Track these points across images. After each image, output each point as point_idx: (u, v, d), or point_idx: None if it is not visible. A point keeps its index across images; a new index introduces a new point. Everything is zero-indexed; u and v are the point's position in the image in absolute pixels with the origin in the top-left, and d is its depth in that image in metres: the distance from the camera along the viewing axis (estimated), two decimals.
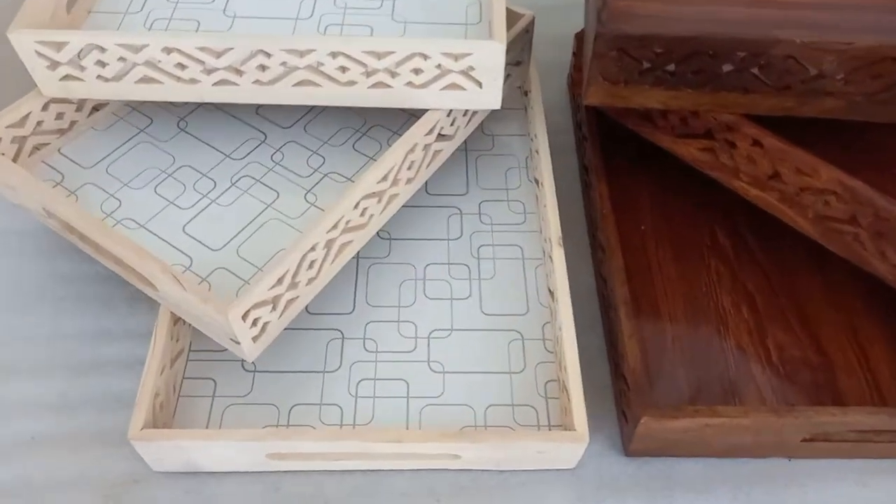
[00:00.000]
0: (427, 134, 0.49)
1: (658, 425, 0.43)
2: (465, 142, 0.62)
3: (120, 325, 0.51)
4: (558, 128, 0.66)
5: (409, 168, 0.49)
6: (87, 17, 0.52)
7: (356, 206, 0.45)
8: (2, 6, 0.62)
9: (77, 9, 0.52)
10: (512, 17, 0.57)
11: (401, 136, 0.48)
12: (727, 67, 0.45)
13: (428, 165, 0.52)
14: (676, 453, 0.46)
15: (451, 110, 0.50)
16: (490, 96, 0.48)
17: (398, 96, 0.48)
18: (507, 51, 0.54)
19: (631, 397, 0.44)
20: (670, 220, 0.58)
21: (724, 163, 0.51)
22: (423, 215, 0.57)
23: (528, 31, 0.57)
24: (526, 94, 0.62)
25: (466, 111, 0.52)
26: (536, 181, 0.57)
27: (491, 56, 0.46)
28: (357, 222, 0.47)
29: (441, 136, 0.51)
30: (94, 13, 0.52)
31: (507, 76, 0.58)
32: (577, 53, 0.63)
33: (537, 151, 0.57)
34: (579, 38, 0.63)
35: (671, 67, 0.46)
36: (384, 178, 0.47)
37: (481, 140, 0.62)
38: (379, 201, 0.48)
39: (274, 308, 0.42)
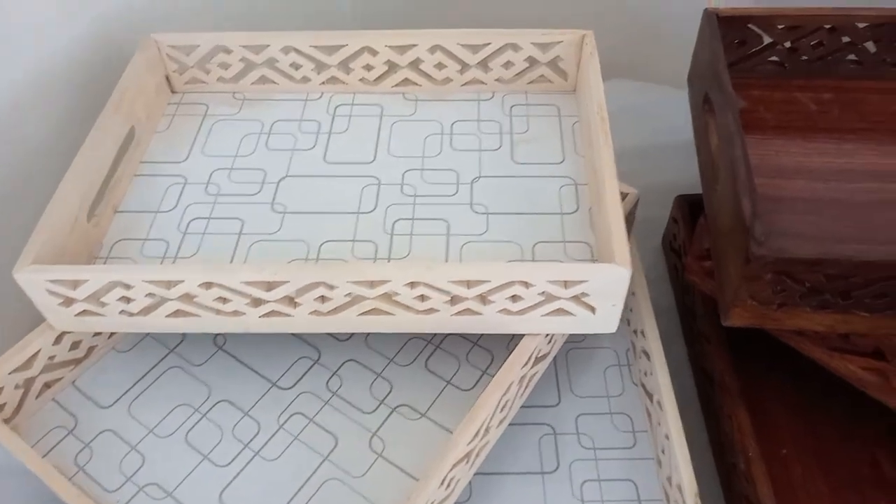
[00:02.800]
0: (524, 366, 0.39)
1: None
2: None
3: None
4: (655, 303, 0.55)
5: (502, 409, 0.39)
6: (114, 219, 0.44)
7: (442, 483, 0.35)
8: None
9: (103, 208, 0.43)
10: None
11: (482, 347, 0.38)
12: None
13: (522, 395, 0.42)
14: None
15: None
16: (605, 321, 0.38)
17: (489, 324, 0.38)
18: None
19: None
20: (817, 440, 0.46)
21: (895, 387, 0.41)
22: (507, 440, 0.46)
23: (632, 212, 0.48)
24: None
25: None
26: (647, 393, 0.46)
27: (613, 282, 0.36)
28: (441, 497, 0.36)
29: (537, 360, 0.42)
30: (121, 213, 0.44)
31: None
32: (681, 222, 0.54)
33: (645, 353, 0.47)
34: (682, 204, 0.54)
35: (844, 290, 0.36)
36: (475, 436, 0.37)
37: None
38: (467, 462, 0.38)
39: None
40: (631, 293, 0.50)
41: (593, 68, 0.46)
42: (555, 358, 0.51)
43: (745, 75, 0.51)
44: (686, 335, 0.53)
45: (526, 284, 0.36)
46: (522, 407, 0.48)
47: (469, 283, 0.36)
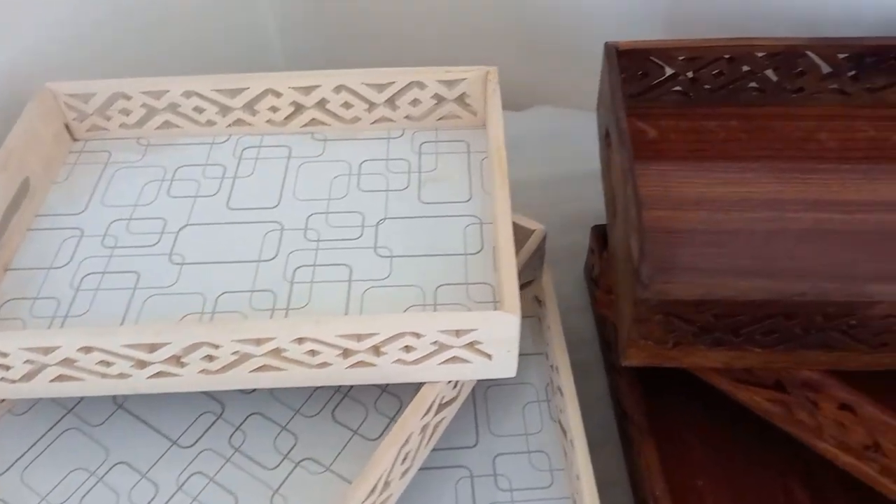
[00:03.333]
0: (425, 415, 0.39)
1: None
2: None
3: None
4: (578, 335, 0.55)
5: (403, 461, 0.38)
6: (4, 278, 0.42)
7: None
8: None
9: None
10: (519, 232, 0.48)
11: (391, 393, 0.37)
12: (807, 329, 0.35)
13: (427, 444, 0.41)
14: None
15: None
16: (503, 367, 0.38)
17: (386, 374, 0.38)
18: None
19: None
20: (732, 471, 0.46)
21: (801, 420, 0.41)
22: (422, 485, 0.45)
23: (541, 248, 0.48)
24: (540, 303, 0.52)
25: None
26: (563, 430, 0.46)
27: (503, 329, 0.36)
28: None
29: (442, 406, 0.41)
30: (13, 270, 0.43)
31: None
32: (596, 252, 0.54)
33: (559, 390, 0.46)
34: (597, 234, 0.54)
35: (734, 328, 0.36)
36: (372, 491, 0.36)
37: None
38: None
39: None
40: (547, 327, 0.50)
41: (494, 105, 0.46)
42: (473, 396, 0.50)
43: (651, 105, 0.51)
44: (606, 367, 0.53)
45: (416, 335, 0.35)
46: (439, 450, 0.47)
47: (359, 336, 0.36)
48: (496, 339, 0.36)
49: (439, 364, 0.37)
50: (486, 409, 0.49)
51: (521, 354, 0.51)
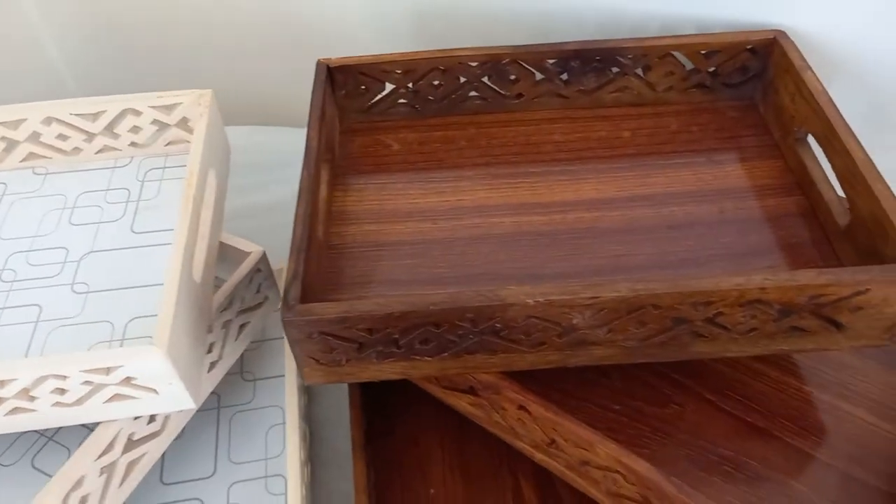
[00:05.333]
0: (102, 455, 0.37)
1: None
2: (217, 395, 0.51)
3: None
4: None
5: None
6: None
7: None
8: None
9: None
10: (237, 255, 0.47)
11: None
12: (460, 334, 0.36)
13: (122, 484, 0.40)
14: None
15: None
16: (175, 399, 0.37)
17: (49, 419, 0.36)
18: (234, 298, 0.44)
19: None
20: (467, 474, 0.47)
21: (498, 422, 0.41)
22: None
23: (261, 269, 0.47)
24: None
25: None
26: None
27: (152, 365, 0.35)
28: None
29: (135, 443, 0.40)
30: None
31: (245, 323, 0.47)
32: None
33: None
34: None
35: (394, 340, 0.36)
36: None
37: (240, 389, 0.51)
38: None
39: None
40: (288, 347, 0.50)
41: (199, 130, 0.45)
42: (217, 424, 0.49)
43: (380, 118, 0.51)
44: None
45: (60, 377, 0.34)
46: (172, 484, 0.46)
47: (2, 382, 0.34)
48: (150, 374, 0.35)
49: (105, 402, 0.36)
50: (228, 438, 0.48)
51: (269, 378, 0.52)
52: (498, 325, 0.35)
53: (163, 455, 0.47)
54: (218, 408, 0.50)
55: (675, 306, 0.35)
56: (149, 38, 0.68)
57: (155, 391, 0.36)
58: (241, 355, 0.53)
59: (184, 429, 0.49)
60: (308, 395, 0.54)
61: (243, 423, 0.49)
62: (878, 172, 0.39)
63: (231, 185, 0.64)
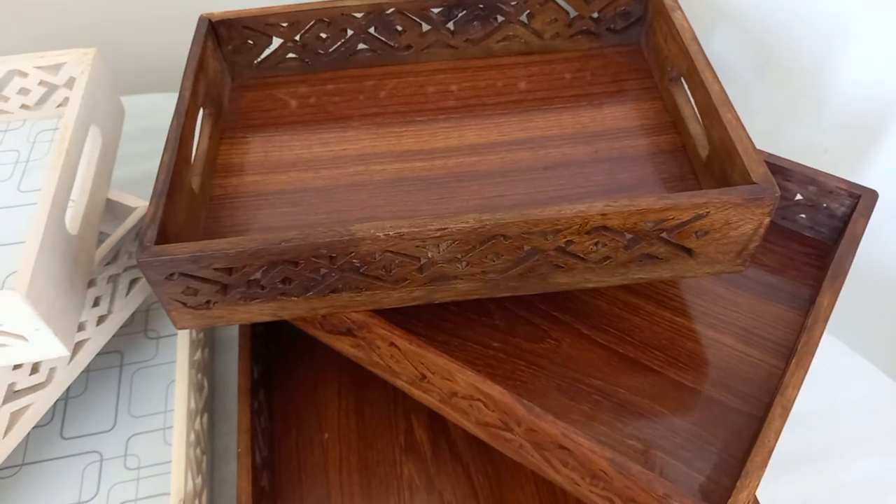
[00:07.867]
0: None
1: None
2: (120, 353, 0.51)
3: None
4: None
5: None
6: None
7: None
8: None
9: None
10: (129, 212, 0.48)
11: None
12: (321, 272, 0.37)
13: (6, 434, 0.40)
14: None
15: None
16: (46, 346, 0.38)
17: None
18: (120, 252, 0.45)
19: None
20: (362, 418, 0.48)
21: (378, 361, 0.42)
22: (46, 476, 0.45)
23: None
24: None
25: None
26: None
27: (12, 308, 0.35)
28: None
29: (16, 394, 0.40)
30: None
31: (136, 279, 0.48)
32: None
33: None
34: None
35: (255, 280, 0.37)
36: None
37: (143, 346, 0.52)
38: None
39: None
40: None
41: (79, 85, 0.46)
42: (119, 380, 0.50)
43: (272, 74, 0.52)
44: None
45: None
46: (71, 438, 0.47)
47: None
48: (14, 319, 0.36)
49: None
50: (129, 393, 0.49)
51: (172, 335, 0.52)
52: (356, 262, 0.36)
53: (64, 411, 0.49)
54: (121, 365, 0.51)
55: (522, 235, 0.36)
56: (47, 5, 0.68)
57: (24, 338, 0.37)
58: (147, 315, 0.54)
59: (86, 386, 0.50)
60: (212, 349, 0.55)
61: (145, 379, 0.50)
62: (730, 103, 0.39)
63: (143, 149, 0.64)
